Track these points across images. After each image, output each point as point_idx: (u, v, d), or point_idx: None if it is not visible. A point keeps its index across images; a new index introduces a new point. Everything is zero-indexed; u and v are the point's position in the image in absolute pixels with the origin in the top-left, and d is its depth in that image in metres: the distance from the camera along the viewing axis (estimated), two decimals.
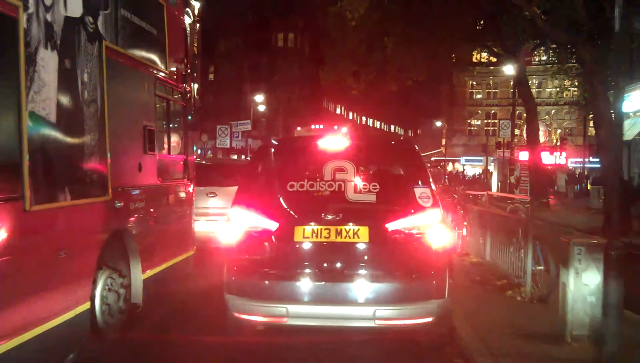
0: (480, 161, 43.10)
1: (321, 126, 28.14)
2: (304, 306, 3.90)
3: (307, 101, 55.11)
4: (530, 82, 44.59)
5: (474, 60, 38.19)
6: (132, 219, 4.80)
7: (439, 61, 19.62)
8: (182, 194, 6.19)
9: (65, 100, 3.77)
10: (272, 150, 4.84)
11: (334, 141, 4.46)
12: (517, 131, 43.99)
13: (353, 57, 18.04)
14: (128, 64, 4.83)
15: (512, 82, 44.85)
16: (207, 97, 39.48)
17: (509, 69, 21.65)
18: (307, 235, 3.92)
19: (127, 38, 4.81)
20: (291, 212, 4.04)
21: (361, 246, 3.92)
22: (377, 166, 4.47)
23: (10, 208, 3.21)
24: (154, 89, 5.37)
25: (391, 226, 3.96)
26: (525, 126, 21.12)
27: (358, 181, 4.09)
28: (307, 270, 3.91)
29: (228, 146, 27.52)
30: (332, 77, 20.11)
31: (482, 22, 18.57)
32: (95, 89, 4.18)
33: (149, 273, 5.06)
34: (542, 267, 5.88)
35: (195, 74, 6.91)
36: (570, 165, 36.02)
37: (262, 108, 46.24)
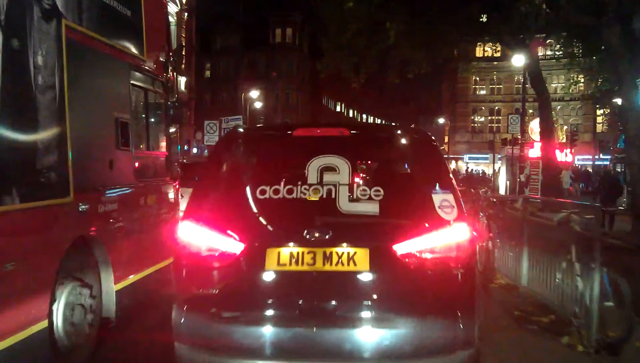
0: (485, 158, 42.58)
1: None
2: None
3: (306, 98, 54.66)
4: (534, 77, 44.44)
5: (477, 55, 37.80)
6: (101, 223, 4.24)
7: (442, 55, 19.07)
8: (164, 195, 5.66)
9: (11, 86, 3.23)
10: (238, 143, 3.58)
11: (321, 130, 3.41)
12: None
13: (352, 48, 17.20)
14: (95, 48, 4.28)
15: (516, 78, 44.57)
16: (204, 94, 39.02)
17: (518, 60, 20.91)
18: (283, 261, 2.87)
19: (94, 18, 4.26)
20: (262, 228, 3.05)
21: (359, 277, 2.88)
22: (380, 164, 3.43)
23: None
24: (129, 78, 4.84)
25: (400, 247, 2.91)
26: (539, 121, 20.30)
27: (355, 185, 3.04)
28: (283, 311, 2.87)
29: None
30: (331, 70, 19.30)
31: (485, 15, 17.90)
32: (53, 74, 3.64)
33: (124, 283, 4.53)
34: (611, 303, 4.40)
35: (182, 65, 6.40)
36: (577, 162, 35.49)
37: (259, 105, 45.79)
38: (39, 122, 3.51)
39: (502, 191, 23.55)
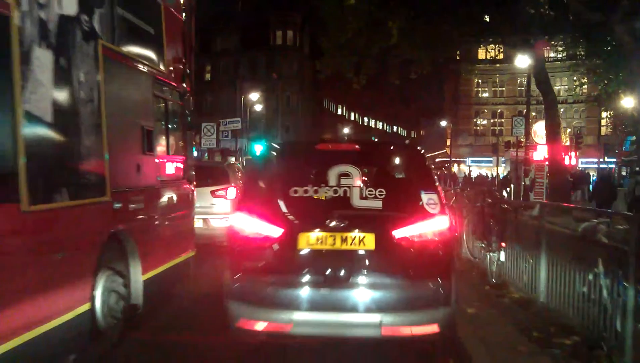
0: (488, 162, 43.09)
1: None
2: (309, 314, 3.92)
3: (307, 100, 55.20)
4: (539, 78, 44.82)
5: (480, 57, 38.11)
6: (130, 220, 4.88)
7: (443, 55, 19.17)
8: (182, 195, 6.29)
9: (61, 100, 3.85)
10: (275, 154, 4.79)
11: (339, 147, 4.53)
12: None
13: (352, 47, 17.18)
14: (125, 63, 4.91)
15: (519, 80, 45.16)
16: (204, 97, 39.54)
17: (521, 62, 20.98)
18: (311, 242, 3.92)
19: (124, 37, 4.90)
20: (295, 218, 4.05)
21: (367, 254, 3.91)
22: (382, 171, 4.60)
23: (7, 209, 3.29)
24: (152, 89, 5.47)
25: (398, 233, 3.94)
26: (544, 123, 19.71)
27: (363, 187, 4.10)
28: (312, 277, 3.91)
29: (214, 146, 26.75)
30: (331, 70, 18.97)
31: (487, 15, 18.13)
32: (92, 88, 4.26)
33: (149, 274, 5.16)
34: None
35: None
36: (581, 166, 35.85)
37: (260, 108, 46.35)
38: (82, 132, 4.13)
39: (505, 195, 23.45)
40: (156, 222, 5.44)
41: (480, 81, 46.98)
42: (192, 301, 5.98)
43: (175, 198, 6.03)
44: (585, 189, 26.29)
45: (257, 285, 3.96)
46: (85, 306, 4.08)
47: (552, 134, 18.15)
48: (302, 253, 3.93)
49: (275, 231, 3.97)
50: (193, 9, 6.64)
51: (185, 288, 6.23)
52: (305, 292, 3.91)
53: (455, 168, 46.05)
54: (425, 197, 4.06)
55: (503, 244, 6.85)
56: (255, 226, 4.04)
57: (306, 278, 3.92)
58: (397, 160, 4.78)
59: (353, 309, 3.88)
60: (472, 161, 46.32)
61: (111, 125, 4.47)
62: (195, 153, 30.67)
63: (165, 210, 5.76)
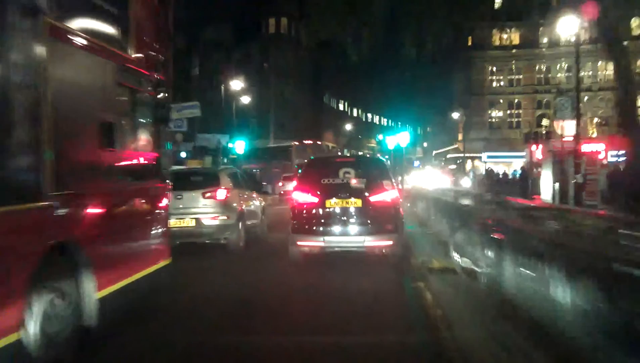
0: (508, 156, 42.59)
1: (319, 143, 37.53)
2: (332, 237, 8.57)
3: (304, 95, 54.85)
4: (558, 65, 44.27)
5: (494, 44, 37.49)
6: (81, 228, 4.49)
7: (462, 16, 17.77)
8: (152, 197, 5.97)
9: None
10: (315, 162, 11.30)
11: (344, 159, 12.62)
12: (546, 122, 43.50)
13: (348, 3, 14.78)
14: (78, 46, 4.53)
15: (537, 67, 44.79)
16: (190, 91, 39.21)
17: (566, 24, 18.38)
18: (332, 204, 8.64)
19: (77, 14, 4.55)
20: (325, 193, 8.68)
21: (358, 209, 8.62)
22: (365, 170, 9.24)
23: None
24: (114, 76, 5.13)
25: (372, 198, 8.66)
26: (619, 104, 16.31)
27: (355, 178, 8.89)
28: (333, 220, 8.63)
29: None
30: (321, 37, 16.77)
31: None
32: (32, 72, 3.89)
33: (106, 290, 4.78)
34: None
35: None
36: (611, 159, 34.67)
37: (252, 103, 46.01)
38: (15, 123, 3.76)
39: (547, 198, 20.61)
40: (117, 229, 5.07)
41: (494, 68, 46.55)
42: (157, 321, 5.65)
43: (142, 200, 5.70)
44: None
45: (306, 225, 8.64)
46: (13, 337, 3.63)
47: (629, 118, 13.96)
48: (328, 209, 8.63)
49: (315, 200, 8.65)
50: None
51: (153, 304, 5.90)
52: (329, 228, 8.59)
53: (468, 165, 45.58)
54: (384, 182, 8.86)
55: None
56: (305, 198, 8.72)
57: (330, 220, 8.60)
58: (372, 164, 10.63)
59: (352, 235, 8.59)
60: (489, 157, 45.70)
61: (59, 116, 4.10)
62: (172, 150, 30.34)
63: (129, 215, 5.41)
